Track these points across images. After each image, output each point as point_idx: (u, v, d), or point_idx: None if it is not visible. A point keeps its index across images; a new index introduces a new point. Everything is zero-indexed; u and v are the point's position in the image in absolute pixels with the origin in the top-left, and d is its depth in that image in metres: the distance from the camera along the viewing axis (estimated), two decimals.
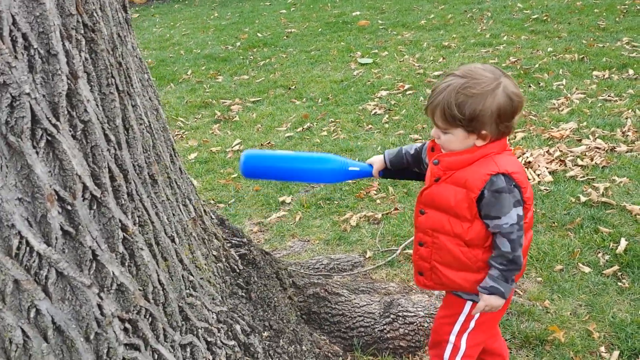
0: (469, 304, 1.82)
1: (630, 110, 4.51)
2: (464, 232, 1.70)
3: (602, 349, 2.31)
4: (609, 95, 4.88)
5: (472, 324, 1.84)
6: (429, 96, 1.65)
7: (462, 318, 1.84)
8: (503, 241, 1.65)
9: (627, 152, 3.85)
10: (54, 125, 1.30)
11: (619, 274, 2.71)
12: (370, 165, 1.99)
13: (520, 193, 1.64)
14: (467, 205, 1.66)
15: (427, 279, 1.86)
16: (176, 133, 5.42)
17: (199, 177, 4.39)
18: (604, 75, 5.33)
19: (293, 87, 6.34)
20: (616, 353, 2.28)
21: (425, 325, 2.41)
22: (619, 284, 2.64)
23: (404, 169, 2.00)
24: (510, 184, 1.62)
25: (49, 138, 1.29)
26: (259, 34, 8.97)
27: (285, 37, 8.59)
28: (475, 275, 1.74)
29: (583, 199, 3.32)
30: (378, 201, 3.68)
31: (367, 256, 3.10)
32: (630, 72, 5.32)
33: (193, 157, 4.79)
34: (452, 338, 1.86)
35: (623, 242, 2.87)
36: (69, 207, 1.31)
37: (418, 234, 1.82)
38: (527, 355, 2.32)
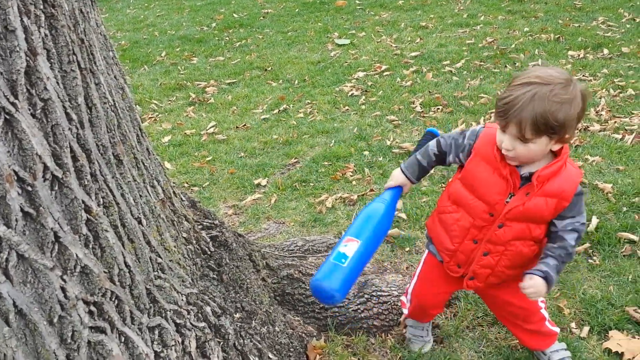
0: None
1: (604, 89, 4.55)
2: (541, 234, 1.75)
3: (573, 324, 2.35)
4: (583, 75, 4.92)
5: None
6: (508, 108, 1.56)
7: None
8: (573, 236, 1.70)
9: (600, 131, 3.90)
10: (12, 104, 1.25)
11: (590, 251, 2.75)
12: (398, 188, 1.93)
13: None
14: (554, 212, 1.70)
15: (480, 281, 1.91)
16: (150, 116, 5.34)
17: (172, 160, 4.34)
18: (579, 55, 5.37)
19: (269, 68, 6.28)
20: (586, 329, 2.32)
21: (399, 305, 2.42)
22: (590, 261, 2.68)
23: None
24: (582, 186, 1.70)
25: (7, 117, 1.24)
26: (235, 15, 8.85)
27: (261, 18, 8.49)
28: (531, 264, 1.79)
29: None
30: (354, 182, 3.68)
31: None
32: (605, 51, 5.36)
33: (167, 140, 4.73)
34: (540, 303, 2.01)
35: (594, 220, 2.91)
36: (29, 188, 1.27)
37: (487, 245, 1.81)
38: (498, 332, 2.35)
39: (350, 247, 1.72)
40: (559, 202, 1.68)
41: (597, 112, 4.19)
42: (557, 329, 2.13)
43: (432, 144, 1.91)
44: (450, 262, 1.93)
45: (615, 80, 4.71)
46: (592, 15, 6.52)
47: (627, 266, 2.60)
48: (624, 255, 2.68)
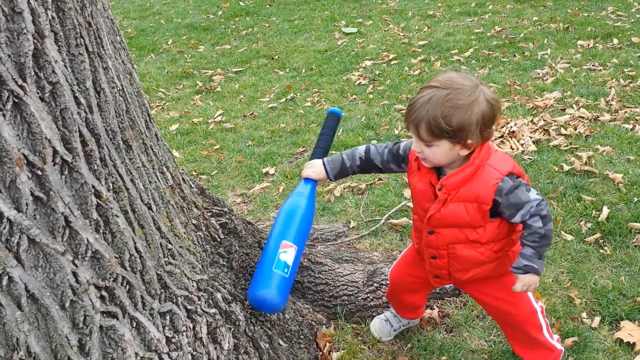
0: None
1: (614, 79, 4.50)
2: (480, 237, 1.73)
3: (584, 315, 2.33)
4: (593, 65, 4.87)
5: None
6: (409, 110, 1.60)
7: None
8: (534, 219, 1.67)
9: (610, 121, 3.85)
10: (21, 87, 1.24)
11: (601, 241, 2.73)
12: (310, 180, 1.94)
13: (524, 180, 1.68)
14: (480, 216, 1.68)
15: (446, 280, 1.93)
16: (157, 104, 5.33)
17: (180, 148, 4.32)
18: (588, 45, 5.31)
19: (276, 57, 6.25)
20: (597, 319, 2.30)
21: None
22: (601, 251, 2.66)
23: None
24: (514, 179, 1.65)
25: (16, 100, 1.23)
26: (241, 3, 8.80)
27: (268, 6, 8.43)
28: (488, 265, 1.80)
29: (566, 167, 3.32)
30: None
31: (350, 226, 3.09)
32: (615, 41, 5.30)
33: (174, 128, 4.72)
34: (536, 306, 1.95)
35: (605, 210, 2.88)
36: (39, 172, 1.26)
37: (429, 250, 1.83)
38: None
39: (289, 253, 1.74)
40: (479, 207, 1.66)
41: (607, 102, 4.14)
42: (560, 346, 2.01)
43: (361, 148, 1.93)
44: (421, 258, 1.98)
45: (625, 70, 4.66)
46: (601, 4, 6.45)
47: (638, 256, 2.58)
48: (635, 246, 2.66)
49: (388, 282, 2.44)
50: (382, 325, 2.29)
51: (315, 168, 1.94)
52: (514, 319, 1.93)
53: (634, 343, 2.15)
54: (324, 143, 2.08)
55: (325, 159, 1.96)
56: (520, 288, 1.73)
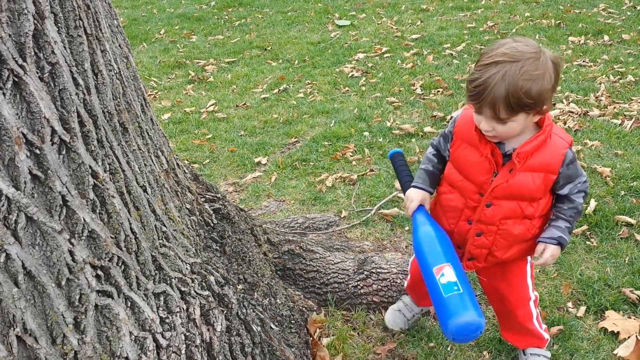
0: (527, 257, 1.91)
1: (604, 75, 4.55)
2: (534, 211, 1.72)
3: (570, 304, 2.38)
4: (583, 61, 4.92)
5: (529, 273, 1.95)
6: (480, 92, 1.52)
7: (528, 272, 1.94)
8: (581, 195, 1.70)
9: (599, 116, 3.91)
10: (21, 66, 1.25)
11: (588, 233, 2.77)
12: (418, 210, 1.85)
13: None
14: (544, 187, 1.67)
15: (480, 262, 1.88)
16: (149, 93, 5.31)
17: (172, 137, 4.33)
18: (579, 41, 5.36)
19: (269, 48, 6.25)
20: (583, 308, 2.34)
21: (398, 282, 2.44)
22: (587, 243, 2.70)
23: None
24: (573, 151, 1.66)
25: (16, 79, 1.24)
26: None
27: None
28: (529, 242, 1.80)
29: None
30: (354, 162, 3.68)
31: (342, 216, 3.11)
32: (606, 38, 5.36)
33: (166, 117, 4.71)
34: (532, 295, 1.96)
35: (592, 203, 2.93)
36: (38, 151, 1.27)
37: (478, 226, 1.78)
38: None
39: (447, 273, 1.64)
40: (546, 176, 1.65)
41: (596, 97, 4.19)
42: (547, 335, 2.06)
43: (429, 148, 1.92)
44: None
45: (615, 66, 4.71)
46: (593, 1, 6.50)
47: (624, 248, 2.63)
48: (621, 238, 2.70)
49: (380, 270, 2.48)
50: (395, 316, 2.29)
51: (412, 196, 1.88)
52: (507, 303, 1.96)
53: (618, 332, 2.20)
54: (406, 176, 2.01)
55: (411, 184, 1.91)
56: (545, 260, 1.72)
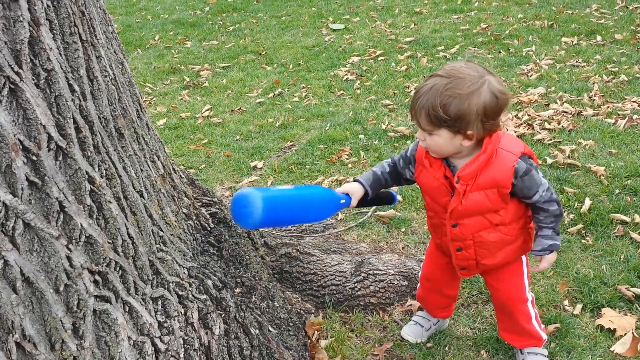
0: (523, 258, 1.93)
1: (597, 75, 4.58)
2: (503, 218, 1.75)
3: (566, 302, 2.39)
4: (576, 61, 4.95)
5: (526, 274, 1.97)
6: (413, 98, 1.60)
7: (525, 273, 1.95)
8: (549, 204, 1.72)
9: (593, 116, 3.93)
10: (17, 73, 1.26)
11: (583, 231, 2.79)
12: (344, 195, 1.82)
13: (534, 162, 1.71)
14: (501, 199, 1.70)
15: (473, 270, 1.93)
16: (144, 99, 5.32)
17: (168, 142, 4.33)
18: (572, 42, 5.40)
19: (263, 52, 6.27)
20: (579, 306, 2.35)
21: (395, 283, 2.46)
22: (583, 241, 2.72)
23: (380, 191, 1.93)
24: (527, 160, 1.67)
25: (12, 86, 1.25)
26: None
27: (255, 2, 8.44)
28: (514, 244, 1.83)
29: (550, 160, 3.38)
30: (350, 165, 3.69)
31: (338, 218, 3.12)
32: (598, 38, 5.39)
33: (162, 123, 4.72)
34: (528, 295, 1.98)
35: (587, 202, 2.95)
36: (34, 158, 1.28)
37: (455, 243, 1.83)
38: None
39: (282, 187, 1.65)
40: (499, 191, 1.67)
41: (590, 97, 4.22)
42: (545, 336, 2.06)
43: (387, 159, 1.93)
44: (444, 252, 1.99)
45: (608, 66, 4.74)
46: (585, 2, 6.55)
47: (619, 246, 2.64)
48: (616, 236, 2.72)
49: (377, 272, 2.48)
50: (412, 328, 2.27)
51: (347, 186, 1.86)
52: (506, 302, 1.98)
53: (615, 329, 2.21)
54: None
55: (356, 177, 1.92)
56: (545, 267, 1.81)
